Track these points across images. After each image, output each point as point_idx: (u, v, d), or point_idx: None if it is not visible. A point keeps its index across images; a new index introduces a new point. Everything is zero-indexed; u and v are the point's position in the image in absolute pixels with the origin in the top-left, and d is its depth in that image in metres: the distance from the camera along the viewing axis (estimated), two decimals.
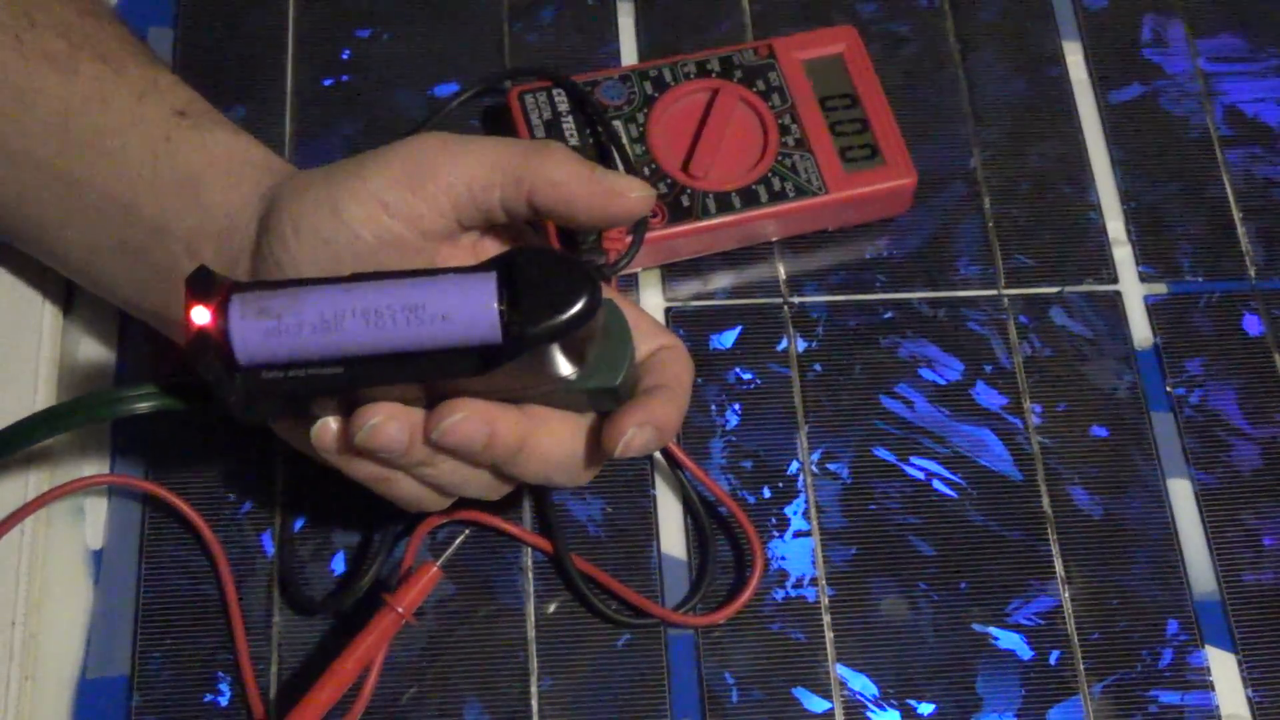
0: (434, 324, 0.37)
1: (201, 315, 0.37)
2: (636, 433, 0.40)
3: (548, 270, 0.37)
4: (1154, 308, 0.55)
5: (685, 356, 0.44)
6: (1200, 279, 0.56)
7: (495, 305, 0.37)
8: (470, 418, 0.39)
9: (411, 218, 0.41)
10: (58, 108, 0.43)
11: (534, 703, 0.47)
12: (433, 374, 0.38)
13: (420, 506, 0.43)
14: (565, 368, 0.39)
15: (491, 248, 0.44)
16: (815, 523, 0.50)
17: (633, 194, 0.43)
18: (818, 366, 0.53)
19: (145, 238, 0.44)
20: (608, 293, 0.44)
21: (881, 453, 0.52)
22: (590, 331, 0.39)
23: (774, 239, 0.55)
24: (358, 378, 0.38)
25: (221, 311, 0.37)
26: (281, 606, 0.48)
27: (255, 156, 0.44)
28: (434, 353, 0.38)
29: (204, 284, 0.38)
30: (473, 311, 0.37)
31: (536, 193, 0.41)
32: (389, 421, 0.38)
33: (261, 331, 0.37)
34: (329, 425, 0.40)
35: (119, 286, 0.46)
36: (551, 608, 0.48)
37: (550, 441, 0.41)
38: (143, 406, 0.41)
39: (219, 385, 0.38)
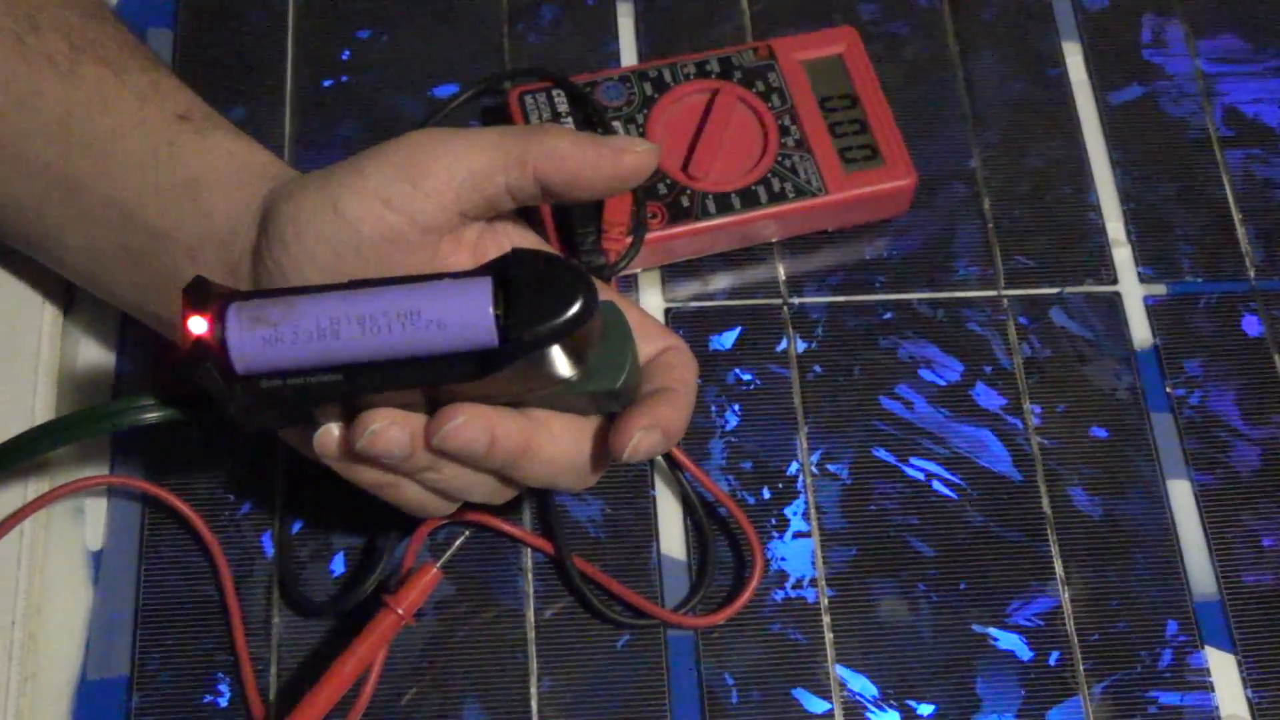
0: (430, 330, 0.37)
1: (199, 325, 0.37)
2: (643, 436, 0.40)
3: (543, 273, 0.37)
4: (1153, 309, 0.55)
5: (689, 358, 0.44)
6: (1200, 280, 0.56)
7: (491, 310, 0.37)
8: (471, 422, 0.39)
9: (412, 212, 0.41)
10: (59, 111, 0.43)
11: (534, 704, 0.47)
12: (431, 379, 0.38)
13: (425, 512, 0.43)
14: (565, 370, 0.39)
15: (492, 244, 0.44)
16: (815, 523, 0.50)
17: (638, 149, 0.42)
18: (817, 367, 0.53)
19: (146, 242, 0.43)
20: (609, 294, 0.44)
21: (881, 453, 0.52)
22: (589, 334, 0.39)
23: (774, 240, 0.55)
24: (356, 385, 0.38)
25: (219, 321, 0.37)
26: (281, 607, 0.48)
27: (257, 161, 0.44)
28: (432, 358, 0.37)
29: (201, 293, 0.38)
30: (469, 317, 0.37)
31: (542, 168, 0.41)
32: (390, 427, 0.38)
33: (259, 340, 0.37)
34: (331, 432, 0.40)
35: (120, 290, 0.46)
36: (549, 614, 0.48)
37: (553, 445, 0.41)
38: (146, 418, 0.41)
39: (218, 395, 0.38)
